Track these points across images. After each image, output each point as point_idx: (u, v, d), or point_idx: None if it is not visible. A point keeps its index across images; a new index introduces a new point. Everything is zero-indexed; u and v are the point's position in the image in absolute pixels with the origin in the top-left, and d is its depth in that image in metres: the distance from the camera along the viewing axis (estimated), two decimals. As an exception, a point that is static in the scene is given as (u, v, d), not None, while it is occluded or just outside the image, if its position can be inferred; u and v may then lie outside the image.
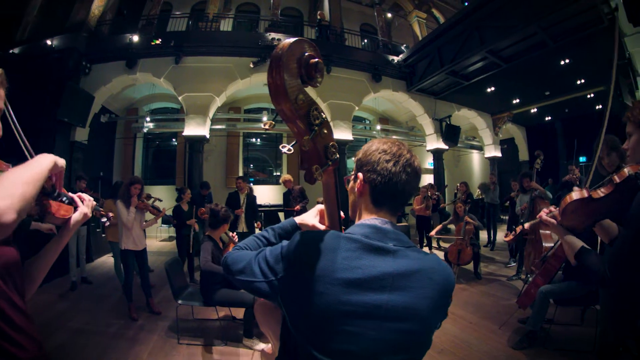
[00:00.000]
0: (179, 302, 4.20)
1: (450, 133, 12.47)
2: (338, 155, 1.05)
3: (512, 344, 4.00)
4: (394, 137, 14.06)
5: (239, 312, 4.61)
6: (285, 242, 1.05)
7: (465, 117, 14.35)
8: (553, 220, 1.76)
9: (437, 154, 12.89)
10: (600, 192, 1.58)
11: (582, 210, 1.64)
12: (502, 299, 5.54)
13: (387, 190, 1.03)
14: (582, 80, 10.65)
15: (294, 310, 0.98)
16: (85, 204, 1.53)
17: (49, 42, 8.72)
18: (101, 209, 1.75)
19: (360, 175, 1.07)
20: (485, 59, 9.25)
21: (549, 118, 15.21)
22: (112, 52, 9.58)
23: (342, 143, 10.54)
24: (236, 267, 1.11)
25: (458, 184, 9.69)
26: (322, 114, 0.99)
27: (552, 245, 4.23)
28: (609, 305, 2.67)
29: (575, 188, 1.71)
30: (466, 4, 10.89)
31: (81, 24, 9.29)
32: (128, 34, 9.62)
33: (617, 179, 1.52)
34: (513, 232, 2.13)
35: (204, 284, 4.13)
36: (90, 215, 1.54)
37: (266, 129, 1.00)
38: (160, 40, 9.59)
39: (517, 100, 13.14)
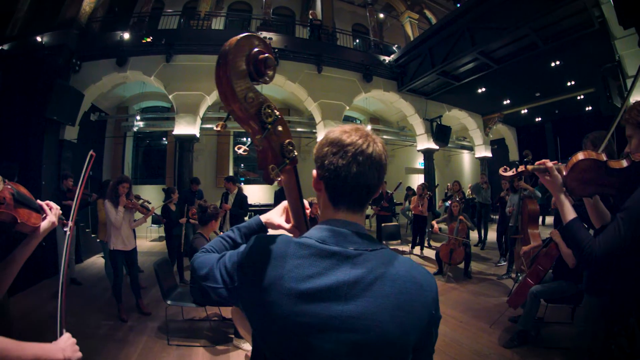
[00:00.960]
0: (168, 302, 4.17)
1: (440, 133, 12.55)
2: (296, 153, 1.01)
3: (503, 342, 4.03)
4: (385, 137, 14.16)
5: (229, 312, 4.59)
6: (243, 247, 1.01)
7: (456, 117, 14.47)
8: (557, 175, 1.66)
9: (428, 154, 12.93)
10: (616, 163, 1.55)
11: (590, 173, 1.57)
12: (493, 298, 5.59)
13: (339, 187, 0.93)
14: (573, 82, 10.78)
15: (253, 318, 0.94)
16: (53, 212, 1.57)
17: (39, 38, 8.54)
18: (64, 219, 1.73)
19: (314, 172, 0.98)
20: (477, 60, 9.30)
21: (539, 119, 15.38)
22: (102, 50, 9.45)
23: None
24: (201, 272, 1.07)
25: (449, 184, 9.74)
26: (275, 111, 0.95)
27: (542, 245, 4.28)
28: (598, 303, 2.69)
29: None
30: (458, 5, 10.95)
31: (72, 20, 9.16)
32: (119, 32, 9.49)
33: (638, 156, 1.49)
34: (514, 169, 1.96)
35: (195, 283, 4.10)
36: (57, 223, 1.58)
37: (218, 131, 0.98)
38: (151, 38, 9.50)
39: (508, 101, 13.26)
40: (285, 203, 1.26)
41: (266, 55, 0.89)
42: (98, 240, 6.19)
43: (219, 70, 0.84)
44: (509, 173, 1.93)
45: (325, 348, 0.83)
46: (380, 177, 0.95)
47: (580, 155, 1.57)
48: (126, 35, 9.38)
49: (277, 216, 1.28)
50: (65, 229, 1.79)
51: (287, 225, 1.25)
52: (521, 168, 1.82)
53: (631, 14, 4.86)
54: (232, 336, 4.14)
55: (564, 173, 1.63)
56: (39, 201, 1.55)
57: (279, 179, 0.96)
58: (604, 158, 1.55)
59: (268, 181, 0.94)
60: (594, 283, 2.64)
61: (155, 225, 11.39)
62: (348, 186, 0.92)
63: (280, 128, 0.97)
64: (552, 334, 4.16)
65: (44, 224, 1.52)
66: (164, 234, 7.54)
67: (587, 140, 2.56)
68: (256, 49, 0.88)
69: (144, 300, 5.17)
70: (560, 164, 1.71)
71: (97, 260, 8.07)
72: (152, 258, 4.74)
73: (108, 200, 4.91)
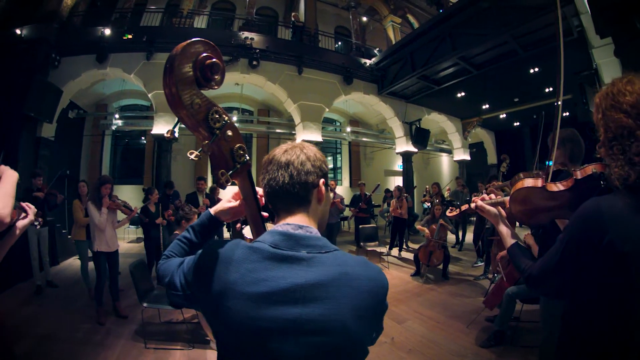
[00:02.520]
0: (144, 304, 4.12)
1: (419, 136, 12.71)
2: (248, 157, 1.02)
3: (480, 342, 4.09)
4: (364, 139, 14.38)
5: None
6: (198, 253, 1.03)
7: (435, 120, 14.68)
8: (490, 209, 1.66)
9: (407, 156, 13.09)
10: (556, 186, 1.44)
11: (532, 201, 1.49)
12: (470, 299, 5.68)
13: (269, 199, 1.04)
14: (551, 89, 11.01)
15: (213, 324, 0.95)
16: (31, 211, 1.77)
17: (18, 31, 8.26)
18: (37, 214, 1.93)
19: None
20: (457, 65, 9.48)
21: (518, 124, 15.64)
22: (82, 45, 9.23)
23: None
24: (164, 281, 1.08)
25: (427, 186, 9.85)
26: (224, 116, 0.95)
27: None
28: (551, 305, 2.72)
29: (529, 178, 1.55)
30: (441, 10, 11.10)
31: (53, 13, 8.91)
32: (100, 27, 9.29)
33: (578, 174, 1.39)
34: (458, 209, 2.02)
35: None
36: (34, 220, 1.79)
37: (169, 137, 0.99)
38: (132, 35, 9.36)
39: (487, 106, 13.43)
40: (235, 189, 1.22)
41: (213, 60, 0.90)
42: (73, 241, 6.02)
43: (165, 77, 0.85)
44: (454, 213, 1.98)
45: (285, 352, 0.83)
46: (292, 175, 0.97)
47: (518, 185, 1.52)
48: (107, 31, 9.19)
49: (224, 202, 1.26)
50: (35, 223, 1.94)
51: (236, 203, 1.24)
52: (464, 207, 1.86)
53: (608, 24, 5.00)
54: (209, 338, 4.11)
55: (507, 205, 1.59)
56: (21, 203, 1.73)
57: (229, 183, 0.96)
58: (540, 184, 1.47)
59: (219, 186, 0.94)
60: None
61: (133, 227, 11.20)
62: (269, 195, 1.02)
63: (229, 133, 0.97)
64: (528, 333, 4.24)
65: (25, 222, 1.71)
66: (142, 235, 7.43)
67: (549, 139, 2.60)
68: (203, 55, 0.89)
69: (121, 303, 5.08)
70: (501, 197, 1.72)
71: (74, 262, 7.88)
72: (129, 260, 4.66)
73: (91, 202, 4.82)
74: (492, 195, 1.77)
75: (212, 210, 1.25)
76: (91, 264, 5.24)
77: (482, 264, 7.28)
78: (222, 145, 0.96)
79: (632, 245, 1.09)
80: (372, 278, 0.93)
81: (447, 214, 2.04)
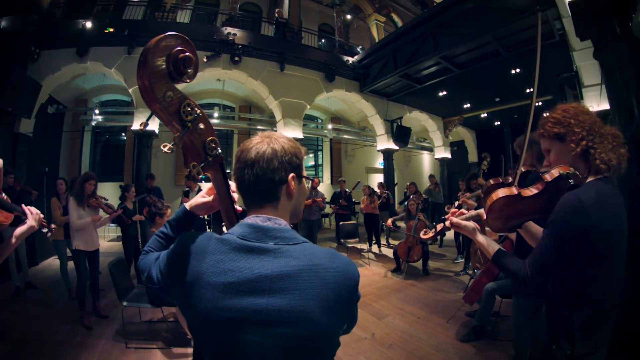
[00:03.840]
0: (124, 303, 4.08)
1: (400, 134, 12.74)
2: (220, 151, 1.04)
3: (460, 337, 4.16)
4: (345, 136, 14.47)
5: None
6: (173, 245, 1.04)
7: (417, 119, 14.77)
8: (467, 224, 1.70)
9: (388, 154, 13.12)
10: (530, 191, 1.52)
11: (509, 209, 1.54)
12: (450, 294, 5.77)
13: (240, 193, 1.04)
14: (531, 89, 11.19)
15: (187, 316, 0.96)
16: (33, 216, 1.61)
17: None
18: (43, 221, 1.76)
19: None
20: (439, 64, 9.55)
21: (498, 123, 15.88)
22: (63, 38, 8.97)
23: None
24: (143, 276, 1.09)
25: (408, 184, 9.98)
26: (196, 109, 0.97)
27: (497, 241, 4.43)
28: (522, 303, 2.81)
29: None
30: (425, 10, 11.18)
31: (33, 4, 8.60)
32: (81, 20, 9.03)
33: (547, 177, 1.49)
34: (433, 230, 2.03)
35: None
36: (37, 227, 1.62)
37: (142, 129, 1.00)
38: (113, 28, 9.16)
39: (468, 105, 13.63)
40: (210, 184, 1.24)
41: (186, 54, 0.91)
42: (51, 240, 5.88)
43: (139, 69, 0.86)
44: (429, 235, 2.00)
45: (253, 342, 0.85)
46: (258, 174, 0.97)
47: (493, 197, 1.55)
48: (88, 24, 8.92)
49: (199, 197, 1.27)
50: (44, 230, 1.80)
51: (209, 198, 1.24)
52: (440, 226, 1.87)
53: (587, 27, 5.09)
54: (190, 337, 4.08)
55: (484, 218, 1.64)
56: (23, 206, 1.60)
57: (200, 176, 0.98)
58: (515, 192, 1.53)
59: (191, 178, 0.96)
60: (518, 288, 2.76)
61: (112, 225, 11.03)
62: (239, 192, 1.04)
63: (202, 126, 0.99)
64: (508, 327, 4.27)
65: (23, 229, 1.57)
66: (121, 234, 7.32)
67: (515, 143, 2.69)
68: (177, 48, 0.90)
69: (101, 302, 5.00)
70: (461, 210, 1.81)
71: (54, 262, 7.72)
72: (109, 258, 4.58)
73: (72, 197, 4.71)
74: (464, 210, 1.82)
75: (187, 205, 1.26)
76: (71, 264, 5.15)
77: (462, 260, 7.40)
78: (194, 138, 0.98)
79: (612, 222, 1.39)
80: (340, 269, 0.93)
81: (422, 236, 2.04)
